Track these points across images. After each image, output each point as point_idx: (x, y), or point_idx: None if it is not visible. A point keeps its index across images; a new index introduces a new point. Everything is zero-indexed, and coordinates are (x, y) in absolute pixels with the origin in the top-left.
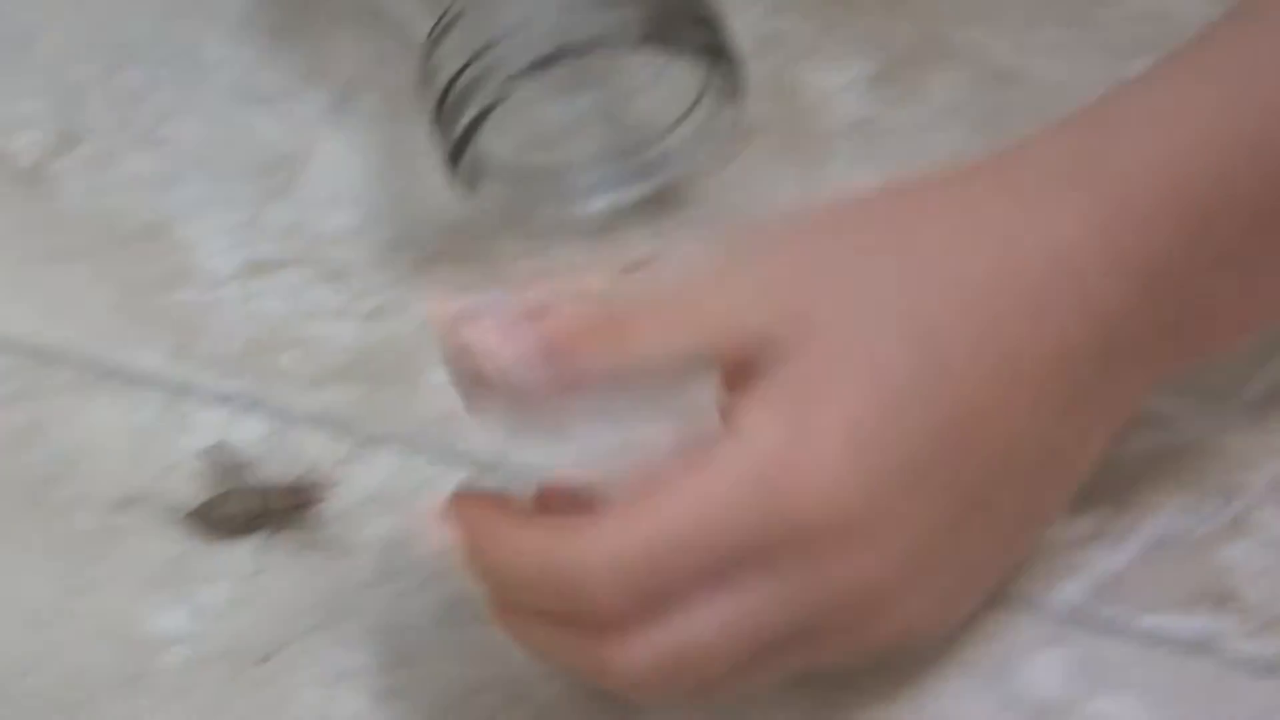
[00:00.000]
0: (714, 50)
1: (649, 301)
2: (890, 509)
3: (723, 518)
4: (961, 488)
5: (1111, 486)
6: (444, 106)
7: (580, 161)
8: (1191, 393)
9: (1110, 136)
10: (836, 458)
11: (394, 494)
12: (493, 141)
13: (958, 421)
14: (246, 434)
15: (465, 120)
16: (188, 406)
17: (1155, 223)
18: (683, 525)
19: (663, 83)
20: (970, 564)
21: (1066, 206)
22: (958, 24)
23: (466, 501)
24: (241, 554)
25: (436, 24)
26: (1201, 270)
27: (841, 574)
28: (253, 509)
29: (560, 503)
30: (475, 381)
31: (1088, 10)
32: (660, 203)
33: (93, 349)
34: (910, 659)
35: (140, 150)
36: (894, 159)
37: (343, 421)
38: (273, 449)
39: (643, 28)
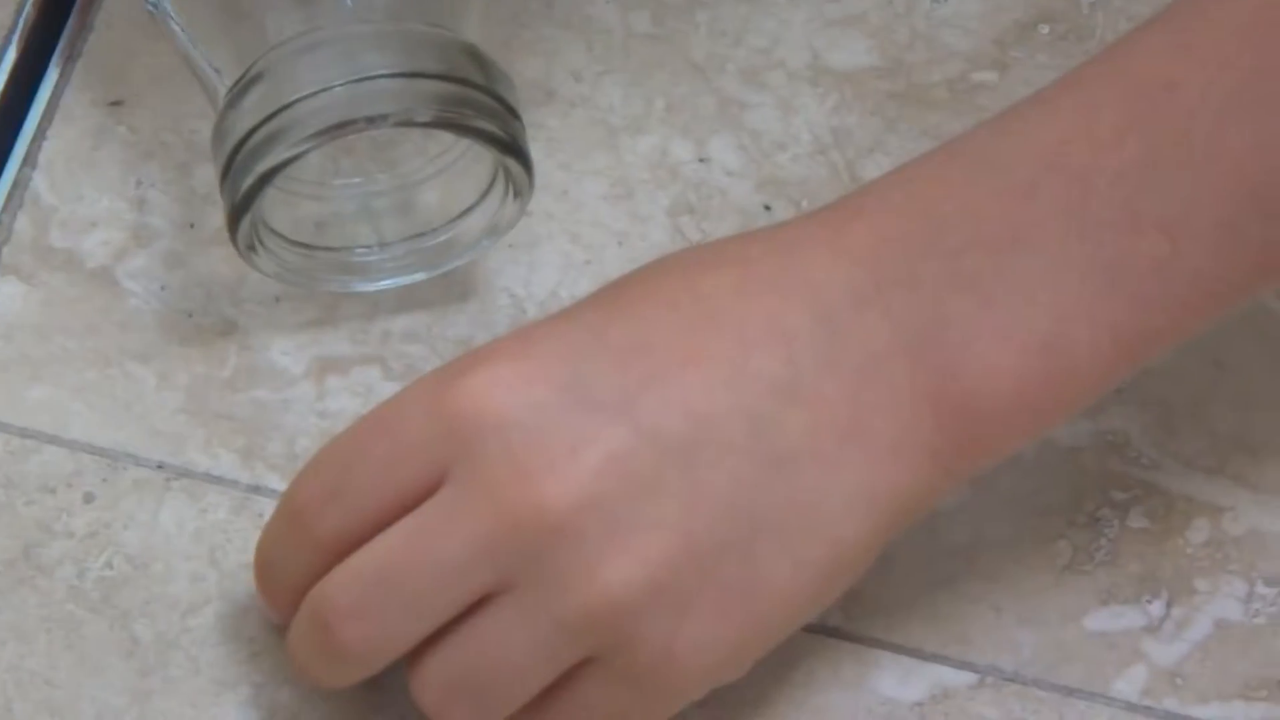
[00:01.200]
0: (504, 144)
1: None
2: (641, 511)
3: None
4: (721, 496)
5: (1168, 576)
6: (231, 167)
7: (366, 241)
8: (1246, 484)
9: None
10: (576, 466)
11: None
12: (280, 211)
13: (713, 430)
14: None
15: (249, 181)
16: (259, 507)
17: (883, 219)
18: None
19: (455, 169)
20: (731, 590)
21: (810, 225)
22: None
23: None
24: None
25: (234, 86)
26: (934, 279)
27: (593, 585)
28: None
29: None
30: None
31: None
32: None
33: (163, 450)
34: None
35: (209, 249)
36: None
37: None
38: None
39: (436, 109)
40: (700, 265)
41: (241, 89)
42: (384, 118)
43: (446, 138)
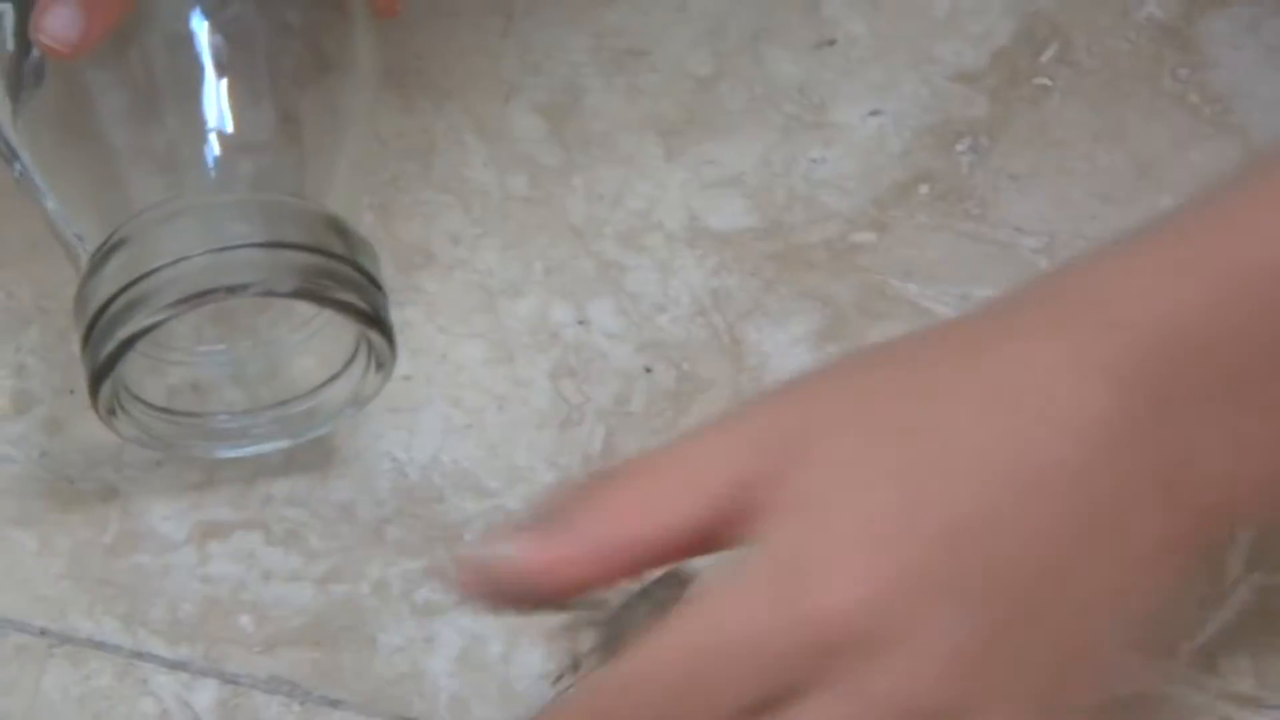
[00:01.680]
0: (365, 315)
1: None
2: (921, 614)
3: (740, 638)
4: (998, 594)
5: None
6: (91, 333)
7: (226, 408)
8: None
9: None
10: (851, 562)
11: None
12: (143, 376)
13: (978, 524)
14: (202, 699)
15: (109, 347)
16: (143, 673)
17: (1146, 344)
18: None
19: (320, 338)
20: (1034, 682)
21: (1067, 330)
22: (900, 280)
23: None
24: None
25: (95, 252)
26: (1196, 398)
27: (885, 690)
28: None
29: None
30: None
31: (1029, 265)
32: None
33: (44, 616)
34: None
35: (89, 415)
36: None
37: (299, 685)
38: (230, 713)
39: (296, 280)
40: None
41: (103, 256)
42: (244, 287)
43: (310, 307)
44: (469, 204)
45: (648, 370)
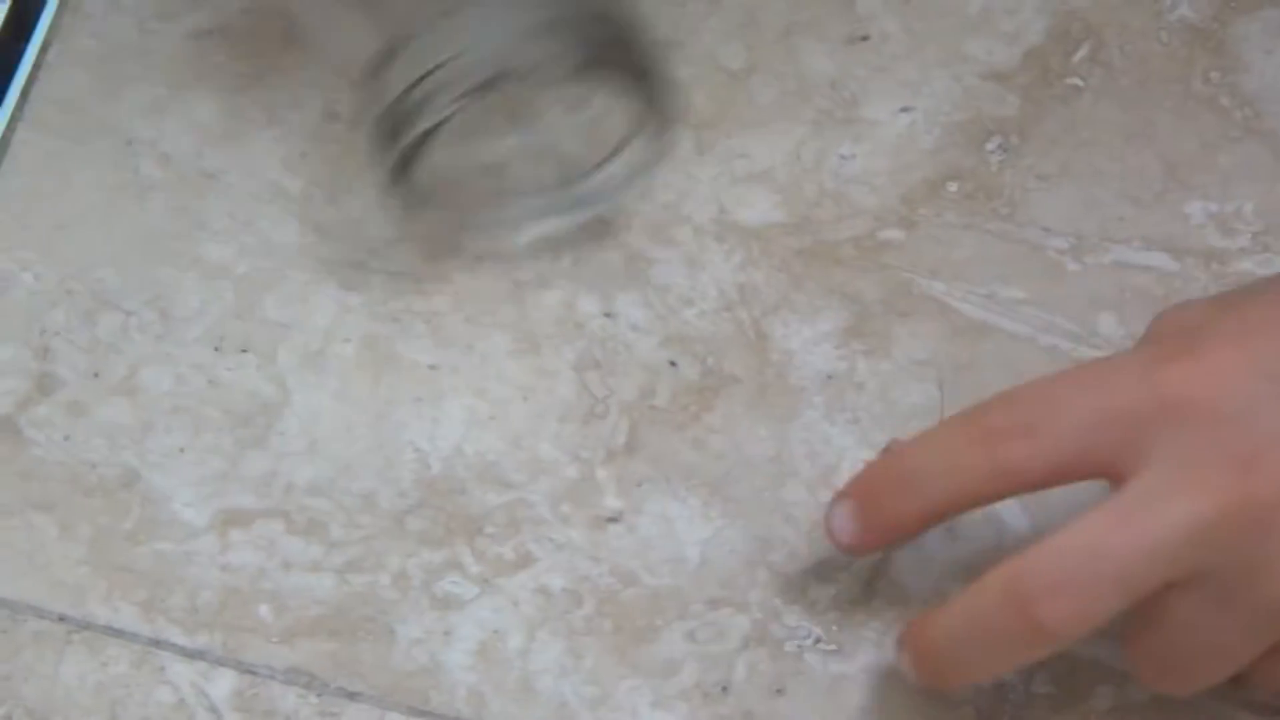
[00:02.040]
0: (649, 77)
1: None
2: None
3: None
4: None
5: None
6: (386, 130)
7: (515, 191)
8: None
9: None
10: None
11: None
12: (430, 168)
13: None
14: (219, 689)
15: (407, 142)
16: (160, 661)
17: None
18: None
19: (597, 114)
20: None
21: None
22: (927, 278)
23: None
24: None
25: (379, 54)
26: None
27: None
28: None
29: None
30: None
31: (1056, 265)
32: (589, 232)
33: (63, 602)
34: None
35: (113, 400)
36: (866, 412)
37: (317, 676)
38: (247, 703)
39: (580, 55)
40: None
41: (386, 57)
42: (531, 71)
43: (590, 86)
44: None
45: (673, 364)
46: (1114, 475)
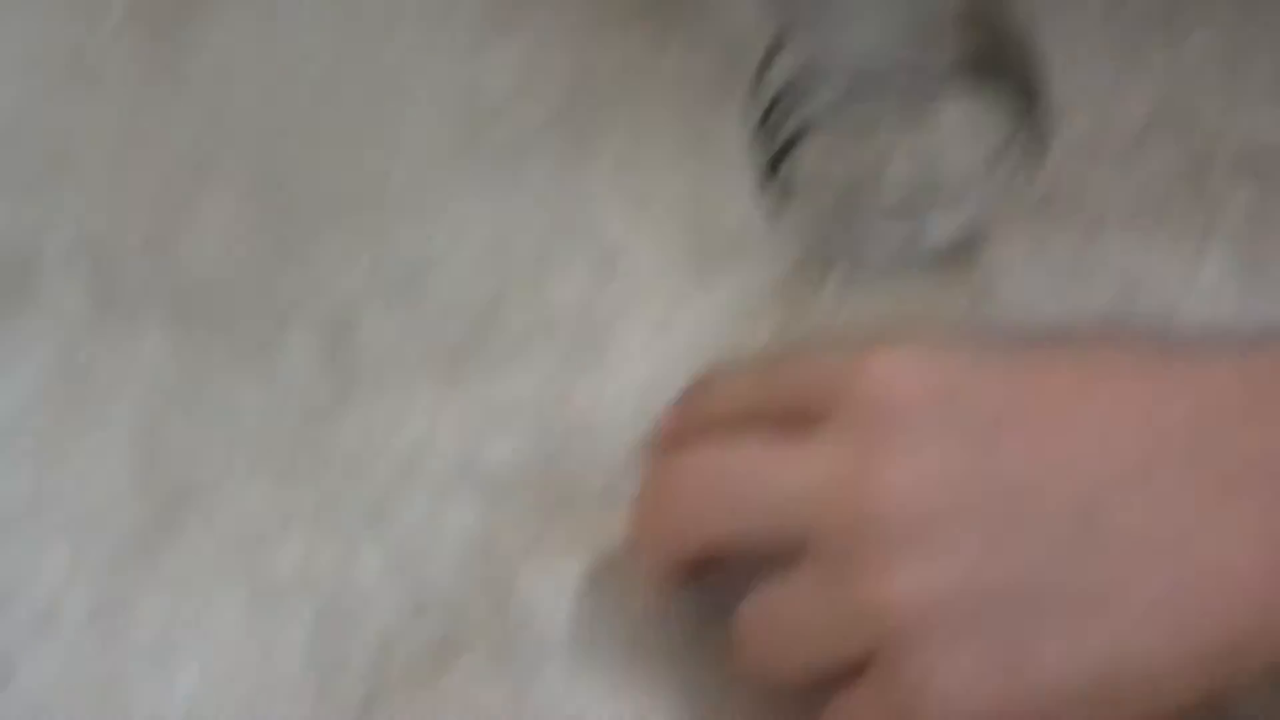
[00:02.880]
0: (1029, 93)
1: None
2: (956, 532)
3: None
4: (1033, 554)
5: None
6: (765, 122)
7: (885, 200)
8: None
9: None
10: (923, 464)
11: None
12: (805, 166)
13: (1040, 479)
14: None
15: (784, 136)
16: None
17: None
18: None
19: (967, 129)
20: (999, 647)
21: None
22: None
23: None
24: None
25: (770, 44)
26: None
27: (882, 577)
28: None
29: None
30: None
31: None
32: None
33: None
34: None
35: None
36: (612, 665)
37: None
38: None
39: (966, 60)
40: (1119, 342)
41: (776, 47)
42: (916, 73)
43: (966, 90)
44: (237, 437)
45: (416, 613)
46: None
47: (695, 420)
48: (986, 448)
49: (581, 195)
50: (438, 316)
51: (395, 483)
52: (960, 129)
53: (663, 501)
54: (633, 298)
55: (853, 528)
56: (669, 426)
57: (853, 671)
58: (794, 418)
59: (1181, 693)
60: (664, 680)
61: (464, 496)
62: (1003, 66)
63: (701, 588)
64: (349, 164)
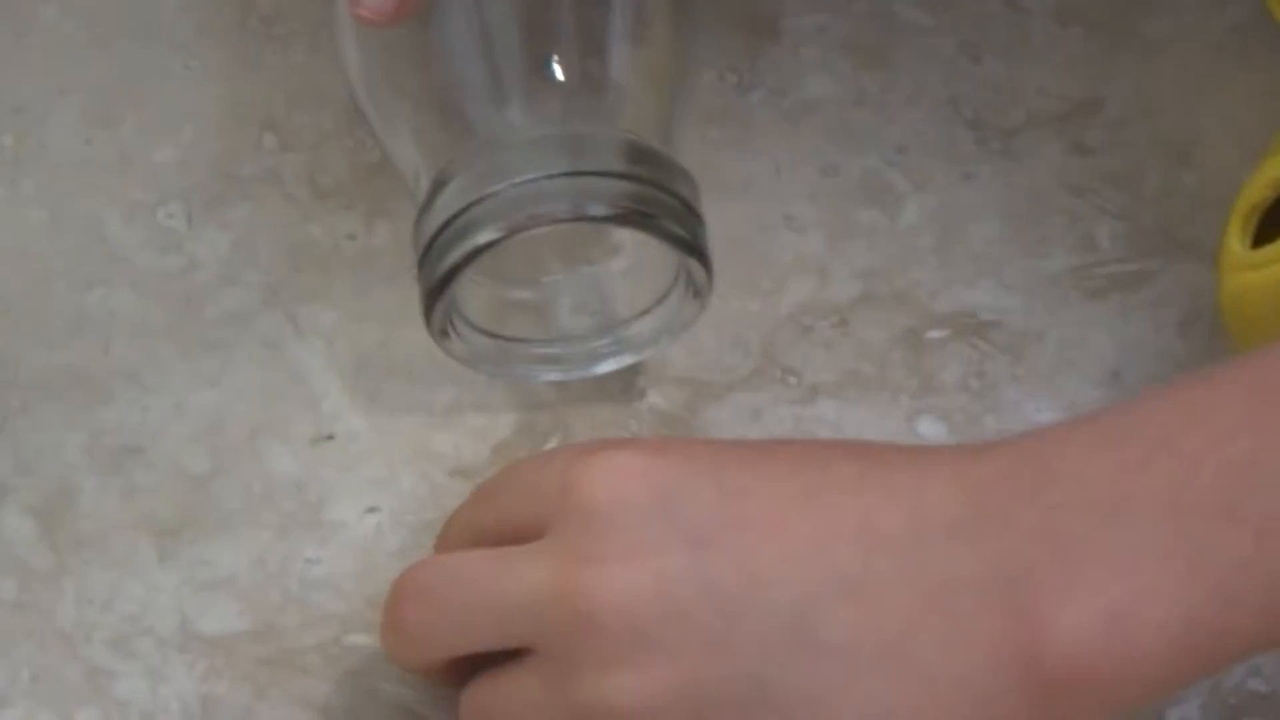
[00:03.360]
0: (685, 242)
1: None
2: (672, 637)
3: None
4: (749, 660)
5: None
6: (426, 257)
7: (552, 335)
8: None
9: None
10: (640, 569)
11: None
12: (470, 299)
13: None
14: None
15: (441, 271)
16: None
17: (1004, 462)
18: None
19: (641, 269)
20: None
21: (949, 450)
22: (393, 684)
23: None
24: None
25: (433, 181)
26: (1028, 528)
27: (600, 681)
28: None
29: None
30: None
31: None
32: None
33: None
34: None
35: None
36: None
37: None
38: None
39: (614, 206)
40: (839, 450)
41: (435, 189)
42: (563, 214)
43: (633, 237)
44: None
45: None
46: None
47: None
48: (703, 554)
49: (295, 370)
50: (155, 489)
51: (114, 652)
52: (623, 272)
53: (398, 619)
54: (348, 468)
55: (572, 633)
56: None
57: None
58: (519, 530)
59: None
60: None
61: (182, 665)
62: (666, 216)
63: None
64: (68, 342)
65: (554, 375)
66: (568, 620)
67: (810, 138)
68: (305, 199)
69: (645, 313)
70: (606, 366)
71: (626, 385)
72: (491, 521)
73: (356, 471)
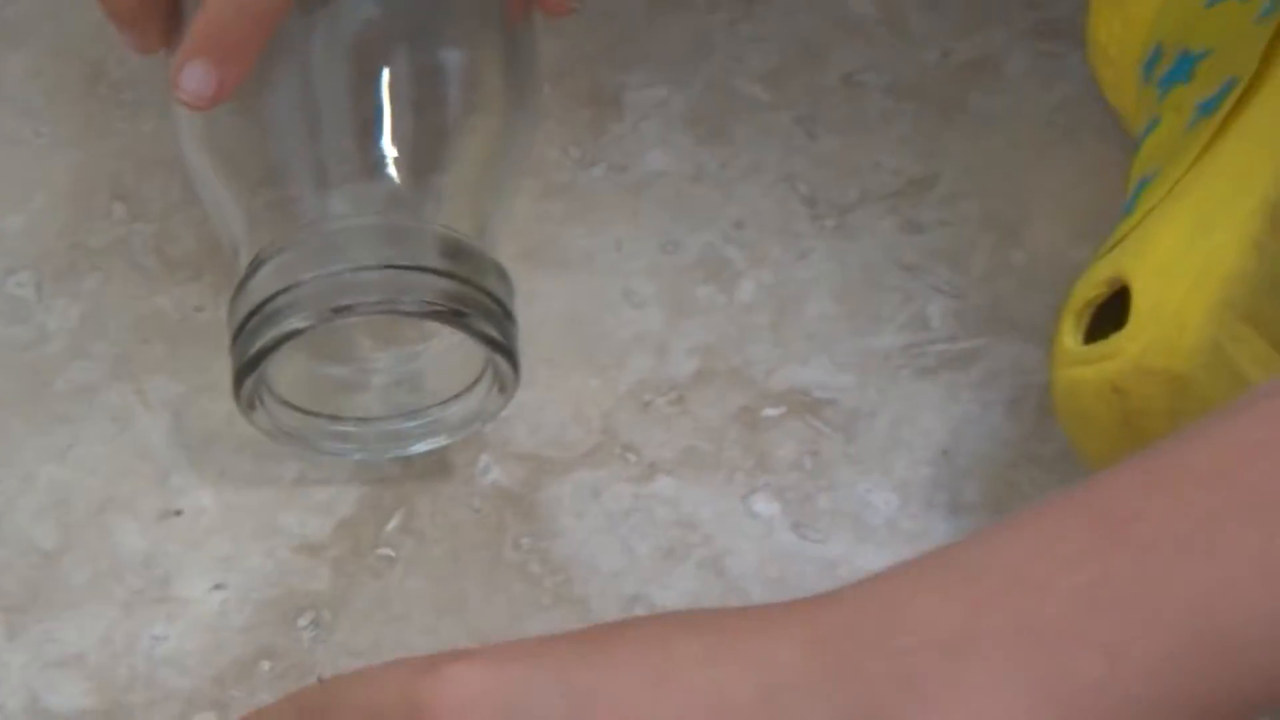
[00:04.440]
0: (491, 340)
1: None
2: None
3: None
4: None
5: None
6: (240, 334)
7: (361, 412)
8: None
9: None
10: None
11: None
12: (283, 374)
13: None
14: None
15: (250, 353)
16: None
17: (850, 612)
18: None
19: (454, 358)
20: None
21: (792, 607)
22: None
23: None
24: None
25: (253, 260)
26: (878, 676)
27: None
28: None
29: None
30: None
31: None
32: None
33: None
34: None
35: None
36: None
37: None
38: None
39: (425, 302)
40: (682, 626)
41: (254, 268)
42: (385, 308)
43: (448, 329)
44: None
45: None
46: None
47: None
48: None
49: (143, 445)
50: (3, 566)
51: None
52: (435, 357)
53: None
54: (196, 544)
55: None
56: None
57: None
58: None
59: None
60: None
61: None
62: (477, 313)
63: None
64: None
65: (361, 454)
66: None
67: (651, 213)
68: (154, 269)
69: (454, 399)
70: (414, 448)
71: (469, 461)
72: None
73: (203, 548)
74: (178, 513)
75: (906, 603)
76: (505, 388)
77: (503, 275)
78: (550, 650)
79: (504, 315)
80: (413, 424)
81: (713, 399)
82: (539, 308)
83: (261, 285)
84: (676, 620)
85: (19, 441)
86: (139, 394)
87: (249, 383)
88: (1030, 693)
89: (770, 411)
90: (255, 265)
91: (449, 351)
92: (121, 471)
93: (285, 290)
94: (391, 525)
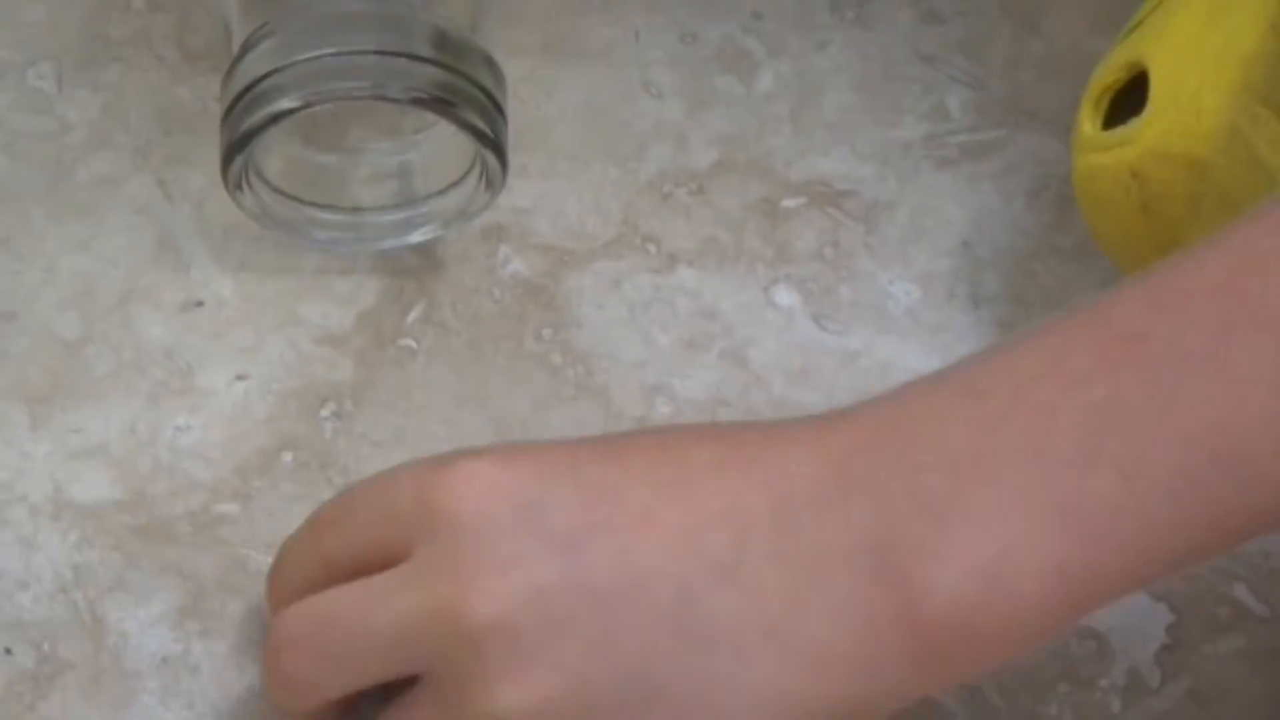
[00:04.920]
0: (479, 132)
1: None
2: (555, 644)
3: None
4: (633, 658)
5: None
6: (231, 112)
7: (350, 202)
8: None
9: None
10: (512, 580)
11: None
12: (273, 158)
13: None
14: None
15: (240, 132)
16: None
17: (863, 428)
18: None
19: (444, 151)
20: None
21: (805, 423)
22: (262, 553)
23: None
24: None
25: (247, 39)
26: (895, 493)
27: (489, 695)
28: None
29: None
30: None
31: None
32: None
33: None
34: None
35: None
36: (201, 696)
37: None
38: None
39: (414, 90)
40: (695, 436)
41: (250, 45)
42: (374, 94)
43: (440, 121)
44: None
45: (8, 651)
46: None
47: (290, 587)
48: (575, 558)
49: (165, 235)
50: (27, 357)
51: None
52: (425, 146)
53: (280, 671)
54: (218, 335)
55: (455, 652)
56: (274, 595)
57: None
58: (372, 555)
59: None
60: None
61: (55, 534)
62: (466, 105)
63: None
64: None
65: (345, 244)
66: (450, 643)
67: (669, 4)
68: (174, 60)
69: (440, 192)
70: (402, 240)
71: (489, 252)
72: (338, 549)
73: (225, 339)
74: (199, 304)
75: (918, 421)
76: (493, 183)
77: (494, 68)
78: (564, 451)
79: (493, 108)
80: (400, 215)
81: (733, 189)
82: (558, 99)
83: (252, 66)
84: (693, 430)
85: (41, 232)
86: (160, 185)
87: (237, 162)
88: (1044, 514)
89: (790, 202)
90: (247, 47)
91: (440, 145)
92: (143, 262)
93: (275, 71)
94: (413, 316)
